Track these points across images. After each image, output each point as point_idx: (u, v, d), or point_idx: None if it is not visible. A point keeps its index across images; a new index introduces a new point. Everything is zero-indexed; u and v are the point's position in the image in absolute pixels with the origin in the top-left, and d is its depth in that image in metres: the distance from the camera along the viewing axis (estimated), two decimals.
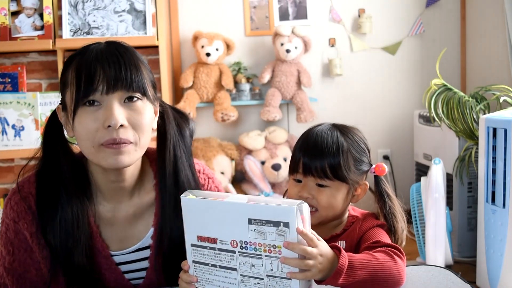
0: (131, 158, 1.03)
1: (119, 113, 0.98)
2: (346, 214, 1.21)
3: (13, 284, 1.09)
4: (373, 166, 1.19)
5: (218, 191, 1.25)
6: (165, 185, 1.12)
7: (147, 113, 1.04)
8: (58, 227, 1.05)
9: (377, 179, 1.21)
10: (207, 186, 1.23)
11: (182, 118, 1.19)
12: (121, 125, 0.99)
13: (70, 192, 1.07)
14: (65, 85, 1.04)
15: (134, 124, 1.01)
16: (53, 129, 1.12)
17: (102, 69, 0.98)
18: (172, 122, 1.14)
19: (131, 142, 1.01)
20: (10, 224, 1.08)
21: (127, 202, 1.14)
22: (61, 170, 1.08)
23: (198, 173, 1.22)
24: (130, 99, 1.01)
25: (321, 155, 1.12)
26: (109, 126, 0.98)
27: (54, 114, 1.13)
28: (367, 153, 1.19)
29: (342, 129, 1.17)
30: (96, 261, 1.11)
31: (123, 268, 1.15)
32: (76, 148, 1.12)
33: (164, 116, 1.14)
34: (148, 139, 1.06)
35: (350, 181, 1.14)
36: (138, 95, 1.02)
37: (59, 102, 1.09)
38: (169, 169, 1.12)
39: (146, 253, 1.16)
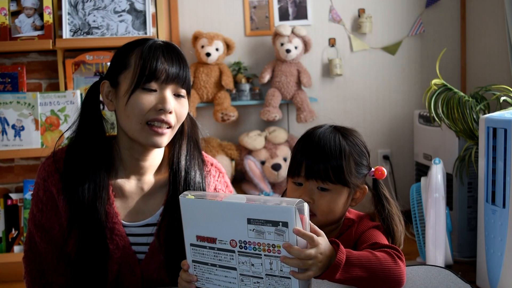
0: (166, 140, 1.20)
1: (171, 102, 1.17)
2: (342, 220, 1.20)
3: (41, 240, 1.23)
4: (373, 169, 1.18)
5: (227, 186, 1.37)
6: (178, 169, 1.26)
7: (186, 108, 1.22)
8: (81, 191, 1.19)
9: (375, 182, 1.20)
10: (218, 178, 1.35)
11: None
12: (170, 112, 1.17)
13: (95, 160, 1.21)
14: (124, 66, 1.18)
15: (177, 114, 1.19)
16: (90, 104, 1.25)
17: (166, 63, 1.16)
18: (188, 116, 1.30)
19: (171, 127, 1.19)
20: (41, 183, 1.23)
21: (144, 179, 1.27)
22: (91, 141, 1.23)
23: (211, 165, 1.35)
24: (178, 95, 1.20)
25: (324, 158, 1.10)
26: (161, 109, 1.15)
27: (92, 89, 1.26)
28: (367, 157, 1.18)
29: (344, 132, 1.16)
30: (109, 226, 1.22)
31: (131, 239, 1.24)
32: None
33: None
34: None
35: (352, 185, 1.13)
36: (184, 92, 1.21)
37: (100, 76, 1.25)
38: (183, 154, 1.28)
39: (154, 229, 1.25)
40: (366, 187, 1.18)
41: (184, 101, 1.21)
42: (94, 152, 1.22)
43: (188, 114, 1.30)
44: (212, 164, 1.35)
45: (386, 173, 1.18)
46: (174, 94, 1.19)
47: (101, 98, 1.26)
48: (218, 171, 1.36)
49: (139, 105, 1.15)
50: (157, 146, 1.20)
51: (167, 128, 1.18)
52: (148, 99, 1.15)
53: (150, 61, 1.15)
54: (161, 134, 1.17)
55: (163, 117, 1.16)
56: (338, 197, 1.13)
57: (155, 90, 1.16)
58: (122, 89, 1.18)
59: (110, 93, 1.22)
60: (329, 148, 1.11)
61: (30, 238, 1.25)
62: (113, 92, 1.21)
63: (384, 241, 1.12)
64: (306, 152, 1.13)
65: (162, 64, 1.15)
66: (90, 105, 1.25)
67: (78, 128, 1.24)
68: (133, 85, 1.15)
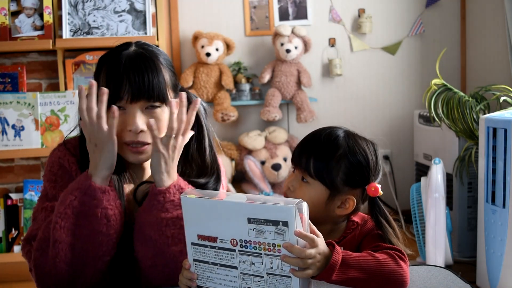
0: (149, 155, 1.17)
1: (140, 120, 1.13)
2: (345, 222, 1.17)
3: (52, 210, 1.17)
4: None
5: (223, 177, 1.38)
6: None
7: (165, 118, 1.17)
8: None
9: (370, 199, 1.14)
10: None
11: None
12: (141, 130, 1.13)
13: None
14: (98, 83, 1.15)
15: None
16: None
17: (128, 82, 1.11)
18: (202, 112, 1.34)
19: (149, 143, 1.15)
20: (56, 160, 1.21)
21: (142, 178, 1.26)
22: None
23: None
24: (151, 107, 1.15)
25: (310, 151, 1.12)
26: (130, 130, 1.13)
27: None
28: (367, 169, 1.12)
29: (349, 136, 1.13)
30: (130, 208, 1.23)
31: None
32: None
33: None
34: None
35: (332, 188, 1.10)
36: (158, 103, 1.15)
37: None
38: (208, 152, 1.34)
39: None
40: (353, 199, 1.12)
41: (159, 111, 1.16)
42: None
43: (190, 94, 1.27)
44: None
45: (380, 192, 1.11)
46: (146, 108, 1.15)
47: None
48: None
49: None
50: (139, 163, 1.20)
51: (147, 144, 1.16)
52: (119, 119, 1.12)
53: (112, 82, 1.12)
54: (140, 153, 1.16)
55: (135, 138, 1.14)
56: (315, 194, 1.11)
57: (124, 109, 1.14)
58: None
59: None
60: (321, 142, 1.12)
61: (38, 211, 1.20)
62: None
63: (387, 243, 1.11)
64: (301, 142, 1.17)
65: (122, 83, 1.11)
66: None
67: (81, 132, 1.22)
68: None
